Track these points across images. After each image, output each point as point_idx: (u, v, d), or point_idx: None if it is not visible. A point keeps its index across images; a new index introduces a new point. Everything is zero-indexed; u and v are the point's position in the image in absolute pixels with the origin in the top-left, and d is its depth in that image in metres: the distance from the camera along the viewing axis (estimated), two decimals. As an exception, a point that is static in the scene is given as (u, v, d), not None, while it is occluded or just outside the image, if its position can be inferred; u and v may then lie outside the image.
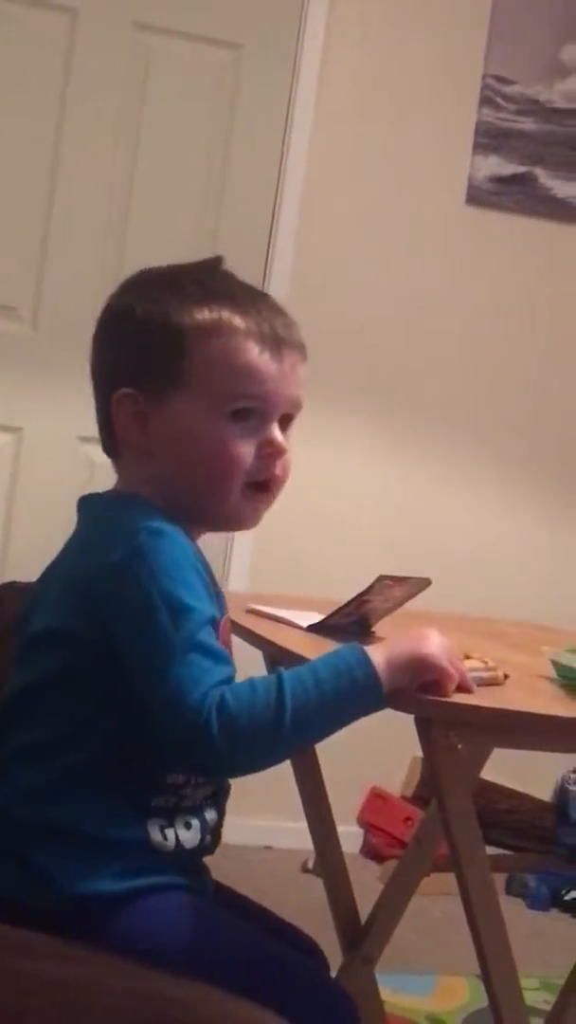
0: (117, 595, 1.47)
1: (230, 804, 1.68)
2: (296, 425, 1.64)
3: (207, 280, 1.60)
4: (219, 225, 3.80)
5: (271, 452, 1.57)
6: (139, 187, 3.76)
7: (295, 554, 3.88)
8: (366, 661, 1.46)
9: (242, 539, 3.81)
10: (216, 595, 1.58)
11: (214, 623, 1.50)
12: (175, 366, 1.54)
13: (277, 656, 1.93)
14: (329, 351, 3.90)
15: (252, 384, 1.55)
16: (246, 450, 1.55)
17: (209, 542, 1.64)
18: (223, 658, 1.47)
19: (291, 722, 1.41)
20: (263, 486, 1.58)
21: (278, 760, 1.48)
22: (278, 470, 1.59)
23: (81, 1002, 1.36)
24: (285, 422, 1.60)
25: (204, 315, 1.55)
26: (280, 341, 1.57)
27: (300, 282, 3.86)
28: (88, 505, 1.65)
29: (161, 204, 3.77)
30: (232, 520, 1.61)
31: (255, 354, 1.55)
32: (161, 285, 1.59)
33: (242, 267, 1.68)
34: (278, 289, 3.81)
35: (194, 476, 1.56)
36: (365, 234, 3.96)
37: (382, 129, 3.95)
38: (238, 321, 1.55)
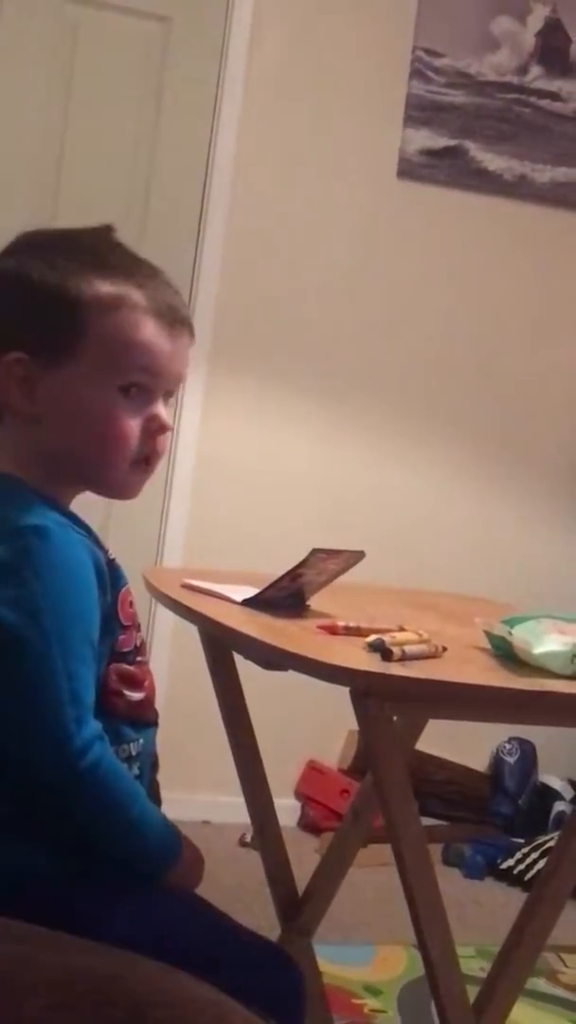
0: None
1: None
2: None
3: (103, 251, 1.59)
4: (150, 199, 3.77)
5: (156, 428, 1.59)
6: (68, 161, 3.72)
7: (229, 528, 3.88)
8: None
9: (176, 513, 3.80)
10: (108, 565, 1.56)
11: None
12: (70, 336, 1.54)
13: (212, 631, 1.93)
14: (260, 325, 3.90)
15: (145, 359, 1.56)
16: (133, 424, 1.57)
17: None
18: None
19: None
20: (146, 460, 1.60)
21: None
22: (159, 445, 1.61)
23: (19, 977, 1.35)
24: (165, 397, 1.62)
25: (104, 288, 1.54)
26: (174, 318, 1.59)
27: (231, 257, 3.85)
28: None
29: (91, 178, 3.74)
30: (115, 491, 1.62)
31: (151, 330, 1.56)
32: (55, 250, 1.57)
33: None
34: (210, 265, 3.79)
35: (83, 446, 1.56)
36: (296, 208, 3.95)
37: (312, 103, 3.94)
38: (136, 296, 1.56)
